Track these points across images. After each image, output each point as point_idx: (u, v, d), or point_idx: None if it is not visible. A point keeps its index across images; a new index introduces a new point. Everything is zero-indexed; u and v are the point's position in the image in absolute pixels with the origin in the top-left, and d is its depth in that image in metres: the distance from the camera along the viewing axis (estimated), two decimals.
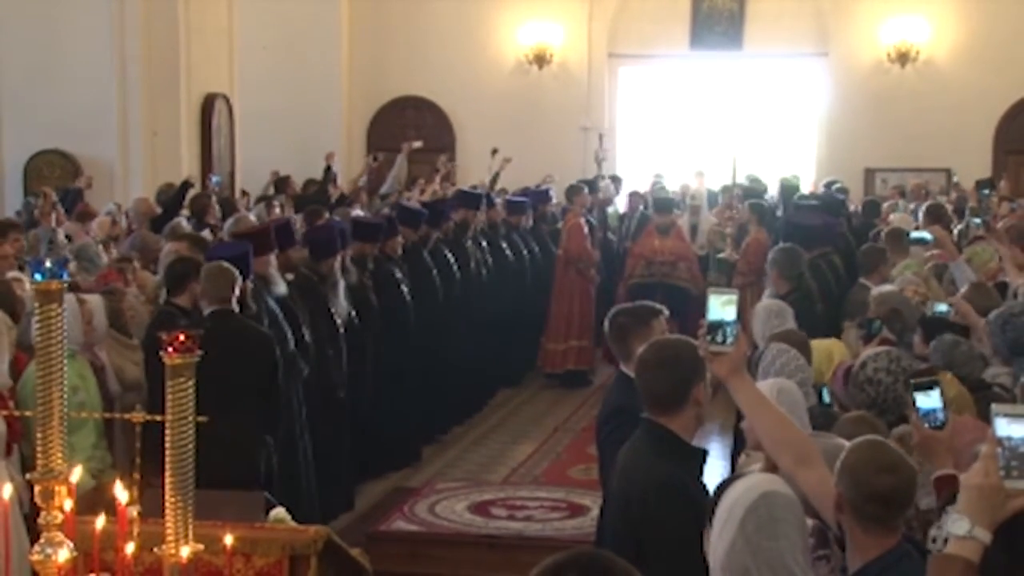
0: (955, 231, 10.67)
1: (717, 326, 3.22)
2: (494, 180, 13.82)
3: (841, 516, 3.00)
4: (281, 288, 7.19)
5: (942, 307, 6.05)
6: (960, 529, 2.44)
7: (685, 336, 4.00)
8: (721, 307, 3.22)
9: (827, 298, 8.22)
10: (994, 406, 2.54)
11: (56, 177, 13.54)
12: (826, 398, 5.20)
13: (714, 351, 3.22)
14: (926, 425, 3.38)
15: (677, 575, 3.06)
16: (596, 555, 2.28)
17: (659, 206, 12.28)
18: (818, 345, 5.84)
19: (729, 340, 3.20)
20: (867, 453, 3.00)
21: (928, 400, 3.42)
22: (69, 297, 6.02)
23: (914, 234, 8.56)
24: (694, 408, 3.72)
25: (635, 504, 3.64)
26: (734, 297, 3.25)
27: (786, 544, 2.85)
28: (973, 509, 2.45)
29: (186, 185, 10.80)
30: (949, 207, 11.92)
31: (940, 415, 3.44)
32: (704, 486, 3.60)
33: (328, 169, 12.27)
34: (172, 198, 10.57)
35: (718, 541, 2.91)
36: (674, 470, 3.63)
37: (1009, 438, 2.44)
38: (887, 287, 6.97)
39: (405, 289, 9.04)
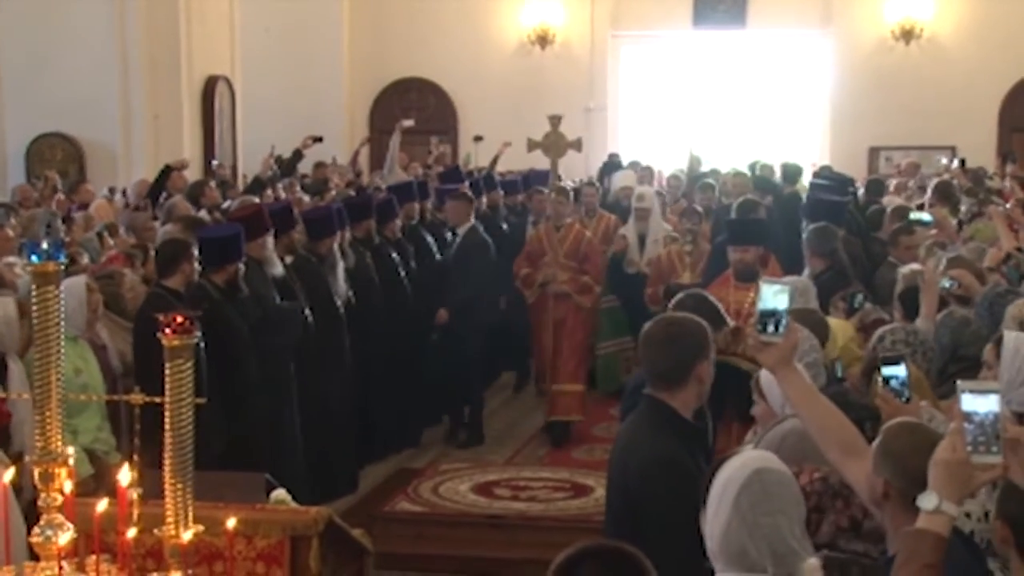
0: (962, 209, 10.71)
1: (769, 315, 3.16)
2: (493, 163, 13.79)
3: (885, 503, 2.92)
4: (277, 270, 7.18)
5: (945, 283, 6.03)
6: (929, 504, 2.46)
7: (693, 315, 3.97)
8: (773, 296, 3.16)
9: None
10: (959, 382, 2.55)
11: (58, 160, 13.56)
12: (839, 372, 5.15)
13: (764, 341, 3.17)
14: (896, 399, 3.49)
15: (672, 550, 3.05)
16: (614, 547, 2.29)
17: (737, 234, 7.45)
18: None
19: (780, 330, 3.15)
20: (909, 438, 2.93)
21: (897, 372, 3.53)
22: (78, 282, 6.02)
23: (913, 215, 8.49)
24: (696, 386, 3.70)
25: (632, 478, 3.64)
26: (787, 287, 3.20)
27: (783, 520, 2.83)
28: (941, 484, 2.47)
29: (167, 170, 10.73)
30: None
31: (906, 390, 3.55)
32: (700, 463, 3.60)
33: (297, 152, 11.83)
34: (152, 185, 10.51)
35: (714, 520, 2.89)
36: (672, 445, 3.63)
37: (975, 412, 2.45)
38: (916, 266, 6.95)
39: (403, 272, 9.02)
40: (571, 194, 10.26)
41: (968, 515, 3.25)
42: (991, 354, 4.43)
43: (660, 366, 3.72)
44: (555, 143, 11.90)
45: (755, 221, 8.31)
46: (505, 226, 11.36)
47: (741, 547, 2.83)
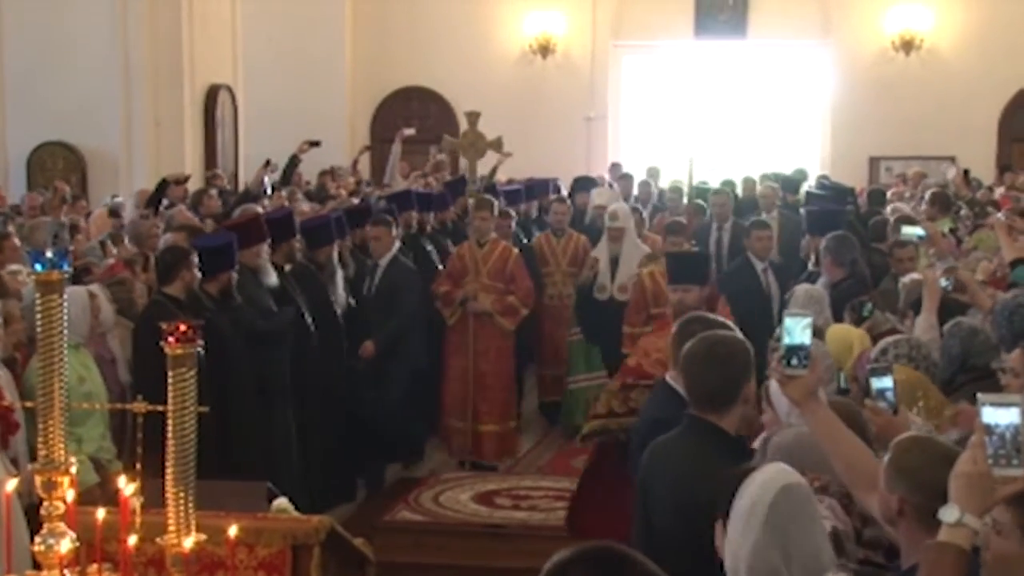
0: (960, 215, 10.72)
1: (795, 350, 3.15)
2: (492, 173, 13.77)
3: (900, 520, 2.88)
4: (271, 279, 7.17)
5: (943, 281, 6.01)
6: (950, 517, 2.44)
7: (736, 333, 3.93)
8: (801, 331, 3.16)
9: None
10: (980, 395, 2.53)
11: (60, 169, 13.57)
12: (843, 383, 5.15)
13: (790, 374, 3.17)
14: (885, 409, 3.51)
15: None
16: (607, 548, 2.28)
17: (676, 271, 6.68)
18: (839, 332, 5.79)
19: (805, 363, 3.15)
20: (921, 452, 2.90)
21: (885, 384, 3.54)
22: (80, 290, 6.03)
23: (905, 230, 8.40)
24: (742, 407, 3.69)
25: (701, 506, 3.40)
26: (811, 320, 3.20)
27: (817, 531, 2.83)
28: (962, 497, 2.45)
29: (164, 184, 10.73)
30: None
31: (893, 401, 3.56)
32: None
33: (293, 158, 11.58)
34: (150, 198, 10.53)
35: (741, 540, 2.85)
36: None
37: (996, 425, 2.44)
38: (916, 275, 6.94)
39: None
40: (494, 205, 9.31)
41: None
42: (1018, 360, 4.38)
43: (708, 386, 3.67)
44: (473, 143, 10.05)
45: (695, 256, 7.41)
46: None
47: (771, 567, 2.80)
